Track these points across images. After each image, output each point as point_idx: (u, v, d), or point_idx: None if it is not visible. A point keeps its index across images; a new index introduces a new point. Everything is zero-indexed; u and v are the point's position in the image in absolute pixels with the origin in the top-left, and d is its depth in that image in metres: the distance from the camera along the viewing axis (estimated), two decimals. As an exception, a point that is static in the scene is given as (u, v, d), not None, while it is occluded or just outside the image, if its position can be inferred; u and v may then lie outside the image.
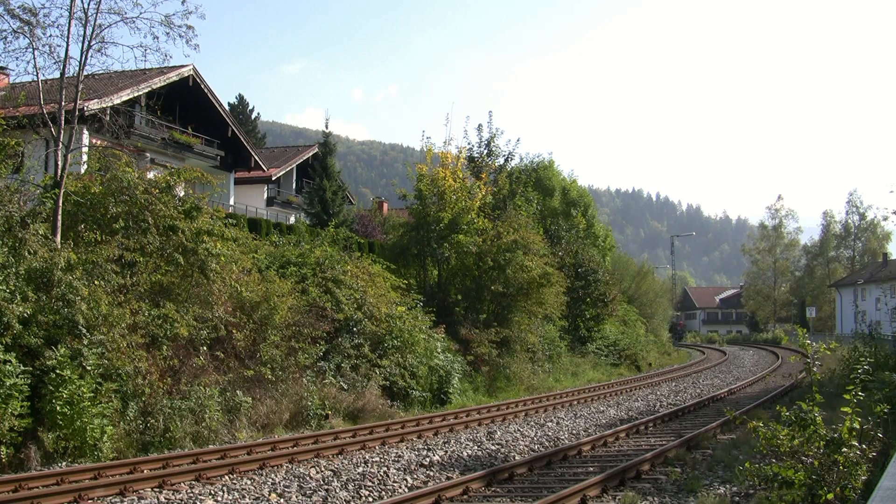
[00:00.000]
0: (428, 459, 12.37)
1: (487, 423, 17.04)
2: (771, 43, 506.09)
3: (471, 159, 33.39)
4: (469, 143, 34.27)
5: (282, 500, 9.73)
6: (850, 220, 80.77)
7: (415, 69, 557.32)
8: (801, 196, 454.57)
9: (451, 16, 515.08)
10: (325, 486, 10.36)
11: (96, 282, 13.37)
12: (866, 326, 27.95)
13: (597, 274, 37.44)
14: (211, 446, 13.04)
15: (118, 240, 14.73)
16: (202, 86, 32.69)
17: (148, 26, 15.02)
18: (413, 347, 20.05)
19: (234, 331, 15.72)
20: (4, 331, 11.54)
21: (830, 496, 7.50)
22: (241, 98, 60.11)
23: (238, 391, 15.01)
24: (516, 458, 12.74)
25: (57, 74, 15.11)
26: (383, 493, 10.23)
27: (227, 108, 37.99)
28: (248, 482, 10.61)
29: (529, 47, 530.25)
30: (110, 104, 21.70)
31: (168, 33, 15.07)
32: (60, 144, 14.66)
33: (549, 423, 16.86)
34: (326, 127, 36.51)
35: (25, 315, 11.88)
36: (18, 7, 14.68)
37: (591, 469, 11.48)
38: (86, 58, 14.76)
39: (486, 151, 34.66)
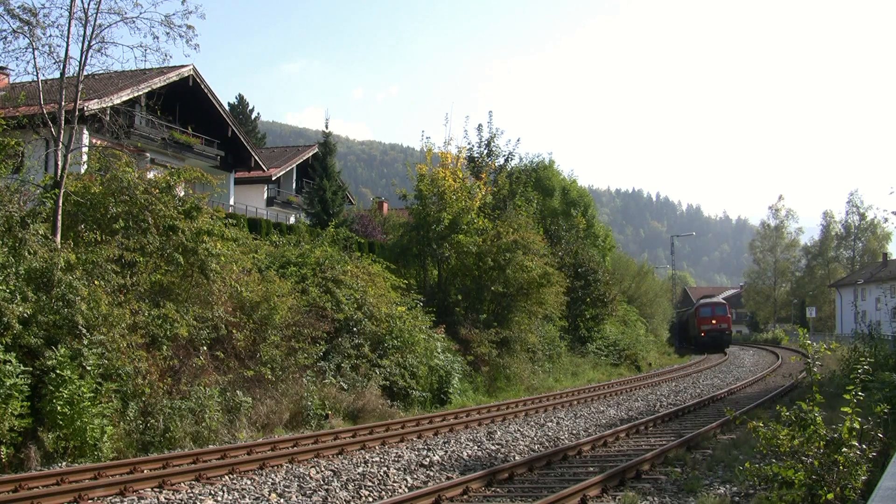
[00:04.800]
0: (428, 459, 12.36)
1: (487, 423, 17.04)
2: (771, 43, 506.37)
3: (471, 159, 33.38)
4: (469, 143, 34.30)
5: (282, 500, 9.73)
6: (850, 221, 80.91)
7: (416, 69, 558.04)
8: (801, 196, 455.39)
9: (454, 15, 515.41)
10: (325, 486, 10.36)
11: (96, 282, 13.37)
12: (866, 326, 27.90)
13: (597, 274, 37.44)
14: (211, 446, 13.04)
15: (118, 240, 14.72)
16: (202, 86, 32.69)
17: (148, 26, 15.03)
18: (413, 347, 20.05)
19: (234, 331, 15.72)
20: (4, 331, 11.54)
21: (830, 496, 7.50)
22: (241, 98, 60.13)
23: (238, 391, 15.01)
24: (516, 458, 12.73)
25: (57, 74, 15.12)
26: (383, 493, 10.23)
27: (226, 108, 37.99)
28: (248, 482, 10.60)
29: (530, 46, 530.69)
30: (110, 104, 21.69)
31: (168, 33, 15.08)
32: (60, 144, 14.65)
33: (549, 423, 16.86)
34: (326, 127, 36.47)
35: (25, 315, 11.88)
36: (18, 7, 14.69)
37: (591, 469, 11.47)
38: (86, 58, 14.77)
39: (486, 151, 34.64)
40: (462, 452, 13.07)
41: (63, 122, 14.71)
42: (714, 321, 54.06)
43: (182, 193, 16.56)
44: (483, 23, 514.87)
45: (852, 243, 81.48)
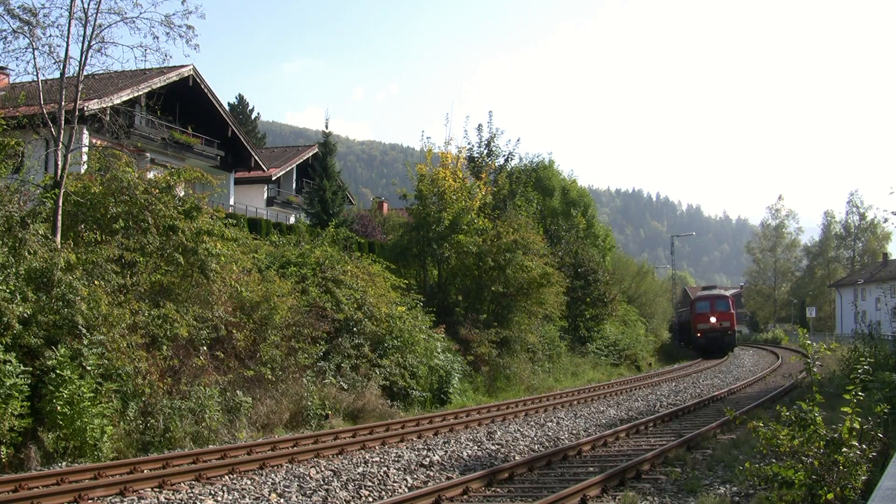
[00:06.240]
0: (428, 459, 12.36)
1: (487, 423, 17.03)
2: (771, 42, 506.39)
3: (471, 159, 33.38)
4: (469, 143, 34.30)
5: (282, 500, 9.73)
6: (850, 221, 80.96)
7: (416, 69, 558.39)
8: (801, 196, 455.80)
9: (454, 15, 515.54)
10: (325, 486, 10.36)
11: (96, 282, 13.37)
12: (866, 326, 27.88)
13: (597, 274, 37.44)
14: (211, 446, 13.03)
15: (118, 240, 14.72)
16: (202, 86, 32.70)
17: (148, 26, 15.03)
18: (413, 347, 20.05)
19: (234, 331, 15.71)
20: (4, 331, 11.54)
21: (830, 496, 7.50)
22: (241, 98, 60.11)
23: (238, 391, 15.01)
24: (516, 458, 12.72)
25: (57, 74, 15.11)
26: (383, 493, 10.23)
27: (226, 108, 37.99)
28: (248, 482, 10.60)
29: (531, 46, 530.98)
30: (110, 104, 21.70)
31: (168, 33, 15.08)
32: (60, 144, 14.65)
33: (549, 423, 16.86)
34: (326, 127, 36.44)
35: (25, 315, 11.88)
36: (18, 7, 14.69)
37: (591, 469, 11.47)
38: (86, 58, 14.76)
39: (486, 151, 34.64)
40: (462, 452, 13.07)
41: (63, 122, 14.70)
42: (713, 318, 43.94)
43: (182, 193, 16.55)
44: (483, 22, 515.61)
45: (852, 243, 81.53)
